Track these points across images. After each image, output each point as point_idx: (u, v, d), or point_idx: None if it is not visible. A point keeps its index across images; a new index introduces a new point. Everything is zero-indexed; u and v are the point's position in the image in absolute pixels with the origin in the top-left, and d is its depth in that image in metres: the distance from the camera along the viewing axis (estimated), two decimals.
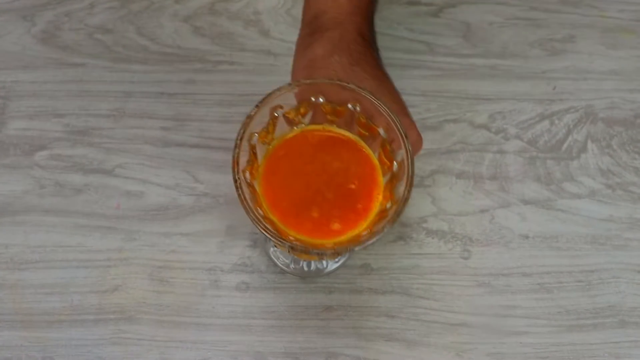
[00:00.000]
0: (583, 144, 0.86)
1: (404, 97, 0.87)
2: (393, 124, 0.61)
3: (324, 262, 0.78)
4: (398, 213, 0.58)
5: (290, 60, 0.90)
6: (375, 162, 0.64)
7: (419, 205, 0.82)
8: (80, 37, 0.92)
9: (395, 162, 0.62)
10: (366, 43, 0.73)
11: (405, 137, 0.61)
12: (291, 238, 0.60)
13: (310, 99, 0.64)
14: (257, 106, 0.61)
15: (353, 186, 0.63)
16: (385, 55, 0.90)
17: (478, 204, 0.83)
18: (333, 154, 0.64)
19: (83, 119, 0.87)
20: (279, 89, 0.62)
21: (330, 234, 0.62)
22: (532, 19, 0.93)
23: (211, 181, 0.83)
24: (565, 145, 0.86)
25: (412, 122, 0.70)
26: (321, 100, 0.64)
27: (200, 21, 0.93)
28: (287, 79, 0.90)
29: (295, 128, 0.65)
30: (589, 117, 0.88)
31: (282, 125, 0.65)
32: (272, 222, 0.61)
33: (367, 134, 0.64)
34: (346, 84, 0.62)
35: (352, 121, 0.65)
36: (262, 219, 0.59)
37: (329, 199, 0.62)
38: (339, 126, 0.66)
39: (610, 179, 0.84)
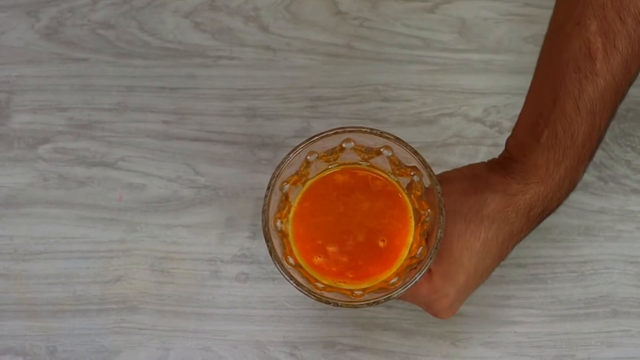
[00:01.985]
0: None
1: (401, 92, 0.87)
2: (425, 171, 0.59)
3: None
4: (430, 259, 0.57)
5: (289, 56, 0.90)
6: (407, 203, 0.62)
7: None
8: (83, 33, 0.92)
9: (428, 210, 0.60)
10: (525, 219, 0.68)
11: (440, 192, 0.58)
12: (320, 286, 0.58)
13: (342, 145, 0.62)
14: (286, 157, 0.59)
15: (384, 228, 0.61)
16: (382, 50, 0.90)
17: None
18: (365, 193, 0.62)
19: (86, 112, 0.86)
20: (305, 142, 0.60)
21: (358, 278, 0.60)
22: (526, 15, 0.93)
23: (211, 174, 0.83)
24: None
25: (453, 302, 0.66)
26: (352, 144, 0.62)
27: (200, 17, 0.93)
28: (286, 74, 0.89)
29: (329, 167, 0.63)
30: None
31: (316, 164, 0.62)
32: (301, 269, 0.59)
33: (400, 174, 0.63)
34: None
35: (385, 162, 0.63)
36: (292, 271, 0.57)
37: (359, 240, 0.61)
38: (373, 165, 0.63)
39: (603, 172, 0.84)
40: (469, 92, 0.88)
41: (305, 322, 0.76)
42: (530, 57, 0.89)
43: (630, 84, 0.68)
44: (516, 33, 0.92)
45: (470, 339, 0.75)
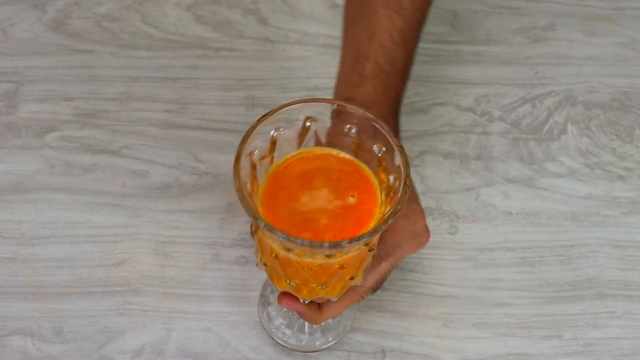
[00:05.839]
0: (563, 126, 0.84)
1: None
2: (387, 136, 0.57)
3: (316, 337, 0.73)
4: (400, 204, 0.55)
5: (287, 47, 0.89)
6: (374, 181, 0.60)
7: None
8: (89, 25, 0.91)
9: (391, 176, 0.58)
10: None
11: (401, 148, 0.57)
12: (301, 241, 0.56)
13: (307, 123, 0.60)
14: (259, 120, 0.57)
15: (353, 204, 0.59)
16: None
17: (464, 182, 0.81)
18: (331, 174, 0.60)
19: (91, 102, 0.85)
20: (278, 108, 0.58)
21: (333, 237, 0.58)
22: (515, 8, 0.92)
23: (212, 161, 0.81)
24: (546, 127, 0.84)
25: (421, 211, 0.66)
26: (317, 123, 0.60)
27: (201, 10, 0.92)
28: (284, 64, 0.88)
29: (293, 151, 0.61)
30: (569, 101, 0.86)
31: (280, 148, 0.60)
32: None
33: (365, 155, 0.60)
34: (347, 105, 0.59)
35: (349, 144, 0.61)
36: (260, 217, 0.55)
37: (329, 218, 0.58)
38: (334, 147, 0.61)
39: (589, 159, 0.82)
40: (460, 82, 0.87)
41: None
42: (519, 49, 0.89)
43: (428, 11, 0.76)
44: (505, 25, 0.91)
45: (461, 320, 0.73)
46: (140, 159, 0.82)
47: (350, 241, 0.53)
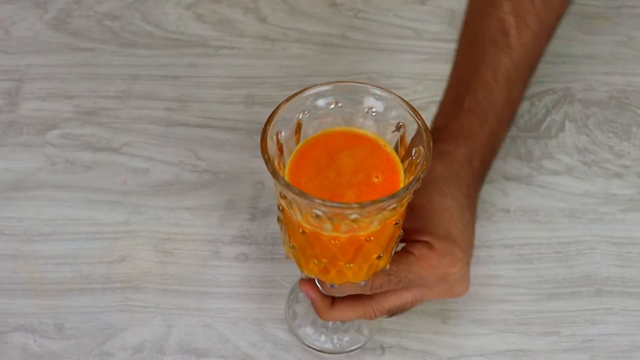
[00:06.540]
0: (561, 124, 0.84)
1: (394, 80, 0.86)
2: (425, 142, 0.56)
3: (345, 338, 0.72)
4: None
5: (286, 46, 0.89)
6: (400, 185, 0.59)
7: None
8: (90, 24, 0.91)
9: (412, 177, 0.57)
10: (471, 170, 0.67)
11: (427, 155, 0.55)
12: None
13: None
14: (288, 98, 0.58)
15: (375, 183, 0.58)
16: (375, 40, 0.89)
17: None
18: (355, 153, 0.59)
19: (92, 100, 0.85)
20: (312, 86, 0.58)
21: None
22: None
23: (212, 158, 0.81)
24: (544, 125, 0.84)
25: (461, 259, 0.63)
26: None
27: (201, 8, 0.92)
28: (284, 63, 0.88)
29: (321, 129, 0.60)
30: (567, 99, 0.86)
31: (307, 127, 0.60)
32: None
33: (406, 157, 0.59)
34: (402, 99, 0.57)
35: (396, 141, 0.60)
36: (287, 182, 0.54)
37: (351, 195, 0.58)
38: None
39: (587, 157, 0.82)
40: None
41: (302, 300, 0.74)
42: None
43: (540, 56, 0.73)
44: None
45: (460, 317, 0.73)
46: (141, 156, 0.81)
47: (364, 205, 0.52)
